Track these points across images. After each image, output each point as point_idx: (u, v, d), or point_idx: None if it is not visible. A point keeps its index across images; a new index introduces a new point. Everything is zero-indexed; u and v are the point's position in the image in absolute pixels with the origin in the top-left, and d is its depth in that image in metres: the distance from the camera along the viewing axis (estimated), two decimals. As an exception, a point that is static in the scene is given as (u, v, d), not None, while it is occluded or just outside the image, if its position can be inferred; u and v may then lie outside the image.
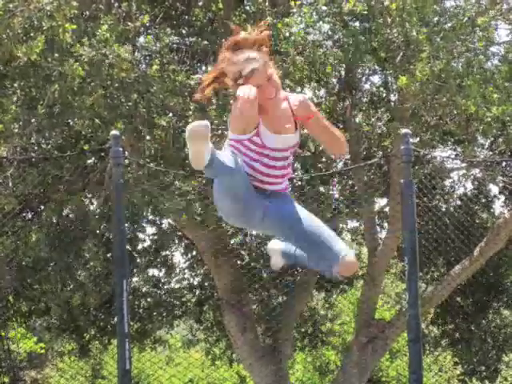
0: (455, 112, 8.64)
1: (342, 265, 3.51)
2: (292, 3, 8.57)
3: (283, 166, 3.60)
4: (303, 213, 3.63)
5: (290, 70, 8.40)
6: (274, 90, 3.48)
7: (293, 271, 11.18)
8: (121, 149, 5.71)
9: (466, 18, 8.43)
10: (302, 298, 10.93)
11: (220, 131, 8.32)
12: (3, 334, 9.48)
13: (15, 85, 7.97)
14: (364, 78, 10.66)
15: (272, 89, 3.47)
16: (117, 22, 7.80)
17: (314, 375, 15.48)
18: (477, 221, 10.98)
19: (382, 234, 10.75)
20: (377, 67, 10.36)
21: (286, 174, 3.64)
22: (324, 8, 8.86)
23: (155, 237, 11.08)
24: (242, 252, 11.25)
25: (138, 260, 10.91)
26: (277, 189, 3.62)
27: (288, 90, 9.45)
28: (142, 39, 9.24)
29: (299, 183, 10.03)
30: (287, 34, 8.75)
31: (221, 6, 9.25)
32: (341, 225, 11.68)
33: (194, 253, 11.41)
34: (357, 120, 10.50)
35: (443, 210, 11.09)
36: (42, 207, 9.92)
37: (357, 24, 9.43)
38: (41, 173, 8.80)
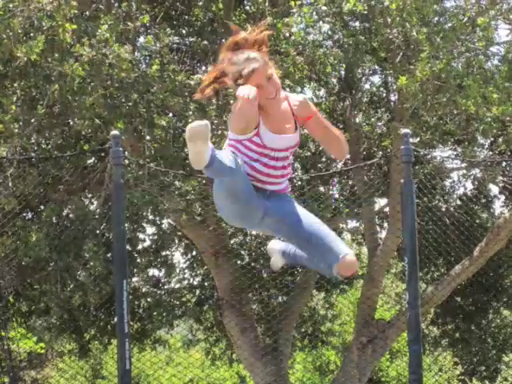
0: (455, 112, 8.64)
1: (342, 265, 3.51)
2: (292, 3, 8.58)
3: (283, 166, 3.60)
4: (303, 213, 3.63)
5: (290, 69, 8.39)
6: (274, 90, 3.47)
7: (293, 271, 11.18)
8: (121, 149, 5.71)
9: (465, 18, 8.44)
10: (302, 298, 10.92)
11: (220, 131, 8.33)
12: (3, 333, 9.47)
13: (15, 85, 7.96)
14: (364, 78, 10.67)
15: (272, 89, 3.46)
16: (117, 21, 7.80)
17: (314, 375, 15.47)
18: (477, 221, 10.96)
19: (382, 234, 10.76)
20: (377, 67, 10.37)
21: (285, 175, 3.64)
22: (324, 8, 8.86)
23: (155, 237, 11.07)
24: (242, 252, 11.25)
25: (138, 260, 10.90)
26: (276, 189, 3.62)
27: (288, 90, 9.46)
28: (141, 39, 9.25)
29: (299, 183, 10.03)
30: (287, 34, 8.75)
31: (221, 5, 9.26)
32: (341, 225, 11.68)
33: (194, 253, 11.41)
34: (357, 120, 10.51)
35: (443, 210, 11.08)
36: (42, 207, 9.91)
37: (357, 24, 9.43)
38: (41, 173, 8.79)
